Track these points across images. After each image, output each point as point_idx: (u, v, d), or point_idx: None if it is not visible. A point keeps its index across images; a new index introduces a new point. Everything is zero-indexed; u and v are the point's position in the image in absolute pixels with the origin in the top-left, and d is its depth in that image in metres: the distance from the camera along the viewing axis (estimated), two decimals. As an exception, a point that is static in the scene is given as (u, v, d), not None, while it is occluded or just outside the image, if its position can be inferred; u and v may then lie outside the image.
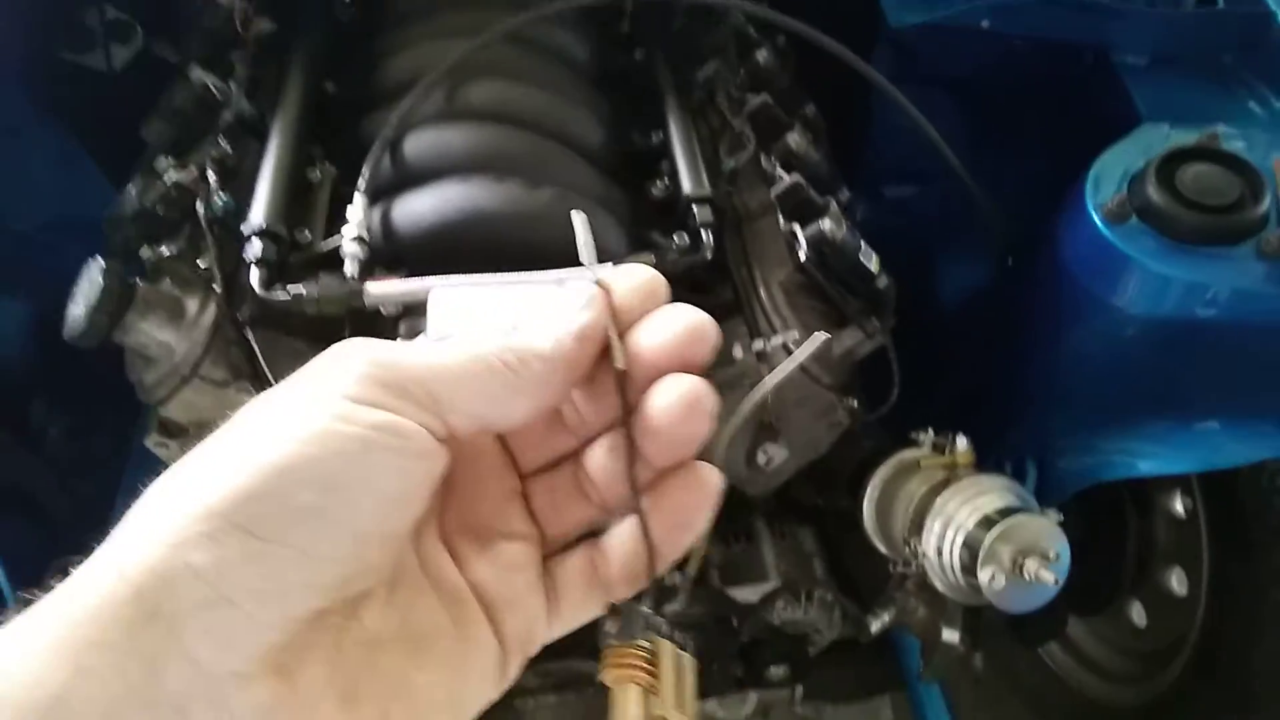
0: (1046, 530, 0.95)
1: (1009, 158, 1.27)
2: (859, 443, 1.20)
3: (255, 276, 0.87)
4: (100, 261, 0.91)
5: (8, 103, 1.20)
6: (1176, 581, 1.45)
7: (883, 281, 1.04)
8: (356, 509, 0.32)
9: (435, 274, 0.86)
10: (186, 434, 1.04)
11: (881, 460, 1.13)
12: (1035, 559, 0.94)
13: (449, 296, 0.84)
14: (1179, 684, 1.47)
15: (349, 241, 0.89)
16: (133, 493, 0.33)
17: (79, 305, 0.90)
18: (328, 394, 0.33)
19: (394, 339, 0.83)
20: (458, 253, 0.88)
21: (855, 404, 1.17)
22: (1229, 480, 1.30)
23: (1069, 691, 1.73)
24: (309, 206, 0.96)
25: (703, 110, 1.12)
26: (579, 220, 0.41)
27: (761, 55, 1.18)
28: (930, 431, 1.12)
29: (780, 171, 1.01)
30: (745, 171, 1.08)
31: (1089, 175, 1.05)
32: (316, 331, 0.92)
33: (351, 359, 0.34)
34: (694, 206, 0.95)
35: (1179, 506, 1.41)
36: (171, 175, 0.94)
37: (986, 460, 1.28)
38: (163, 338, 0.94)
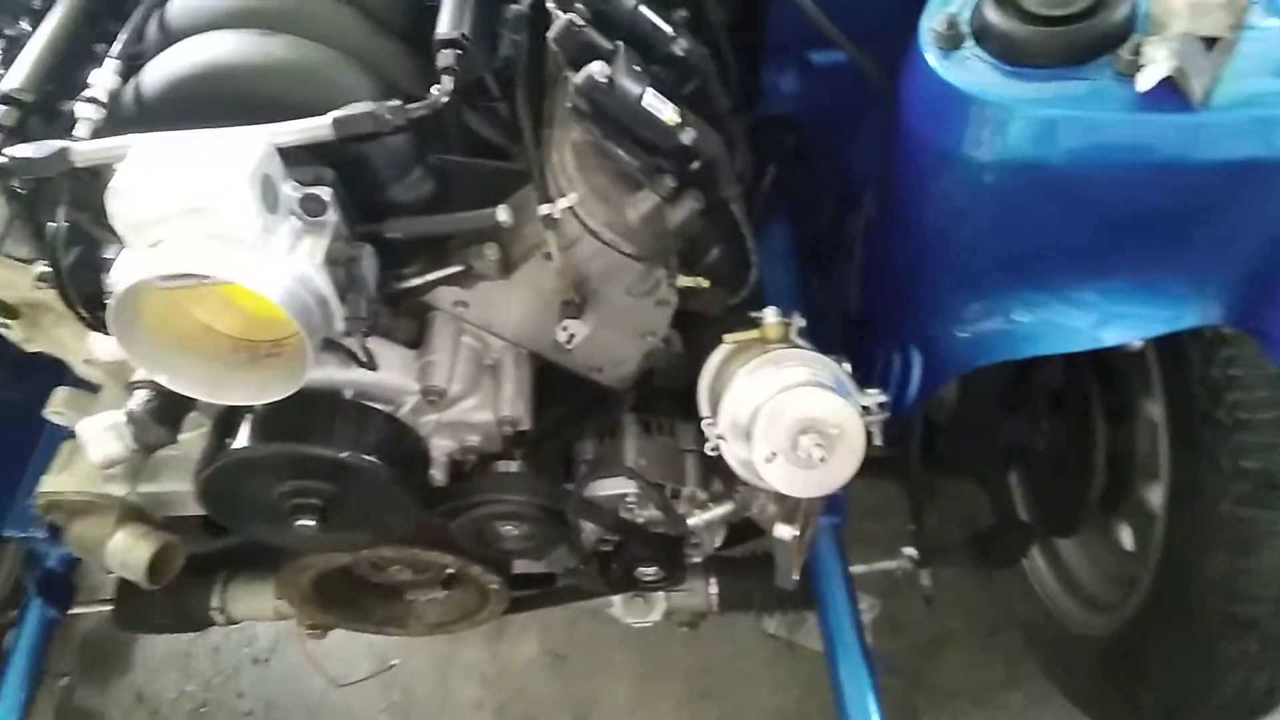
0: (832, 407, 0.83)
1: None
2: (724, 330, 1.09)
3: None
4: None
5: None
6: (1158, 498, 1.26)
7: (688, 135, 0.92)
8: None
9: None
10: (20, 314, 1.07)
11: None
12: (812, 436, 0.82)
13: (144, 151, 0.81)
14: (1141, 608, 1.29)
15: (81, 103, 0.87)
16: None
17: None
18: None
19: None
20: (200, 109, 0.85)
21: (701, 282, 1.06)
22: (1183, 372, 1.11)
23: (1053, 622, 1.57)
24: (76, 78, 0.94)
25: None
26: None
27: None
28: (773, 309, 1.00)
29: (559, 13, 0.90)
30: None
31: (928, 3, 0.89)
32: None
33: None
34: (440, 50, 0.87)
35: (1159, 412, 1.22)
36: None
37: (875, 352, 1.15)
38: None
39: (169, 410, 0.92)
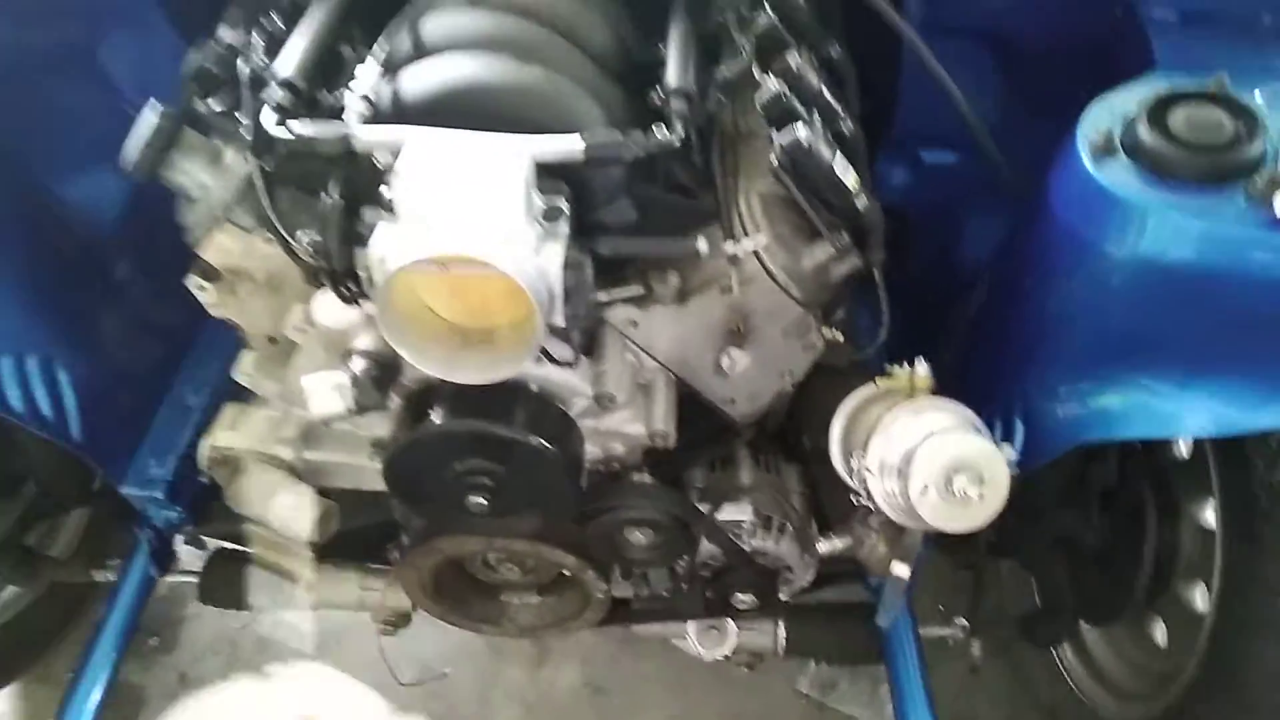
0: (985, 451, 0.95)
1: (1037, 111, 1.26)
2: (849, 381, 1.21)
3: (267, 116, 0.98)
4: (155, 105, 1.05)
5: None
6: (1201, 598, 1.37)
7: (862, 201, 1.06)
8: None
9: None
10: (221, 278, 1.17)
11: (857, 394, 1.15)
12: (965, 475, 0.93)
13: (423, 142, 0.93)
14: (1185, 696, 1.39)
15: (352, 95, 1.00)
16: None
17: (134, 140, 1.05)
18: None
19: (384, 187, 0.93)
20: (452, 116, 0.98)
21: (839, 336, 1.19)
22: (1246, 475, 1.24)
23: (1081, 706, 1.65)
24: (337, 77, 1.08)
25: (716, 33, 1.18)
26: None
27: None
28: (905, 365, 1.12)
29: (771, 81, 1.05)
30: (745, 93, 1.13)
31: (1083, 116, 1.05)
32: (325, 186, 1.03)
33: None
34: (671, 98, 1.01)
35: (1209, 517, 1.35)
36: (224, 38, 1.07)
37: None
38: (202, 179, 1.07)
39: (384, 378, 1.03)
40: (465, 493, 1.07)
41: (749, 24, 1.13)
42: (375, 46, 1.08)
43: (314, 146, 0.96)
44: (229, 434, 1.18)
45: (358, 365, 1.01)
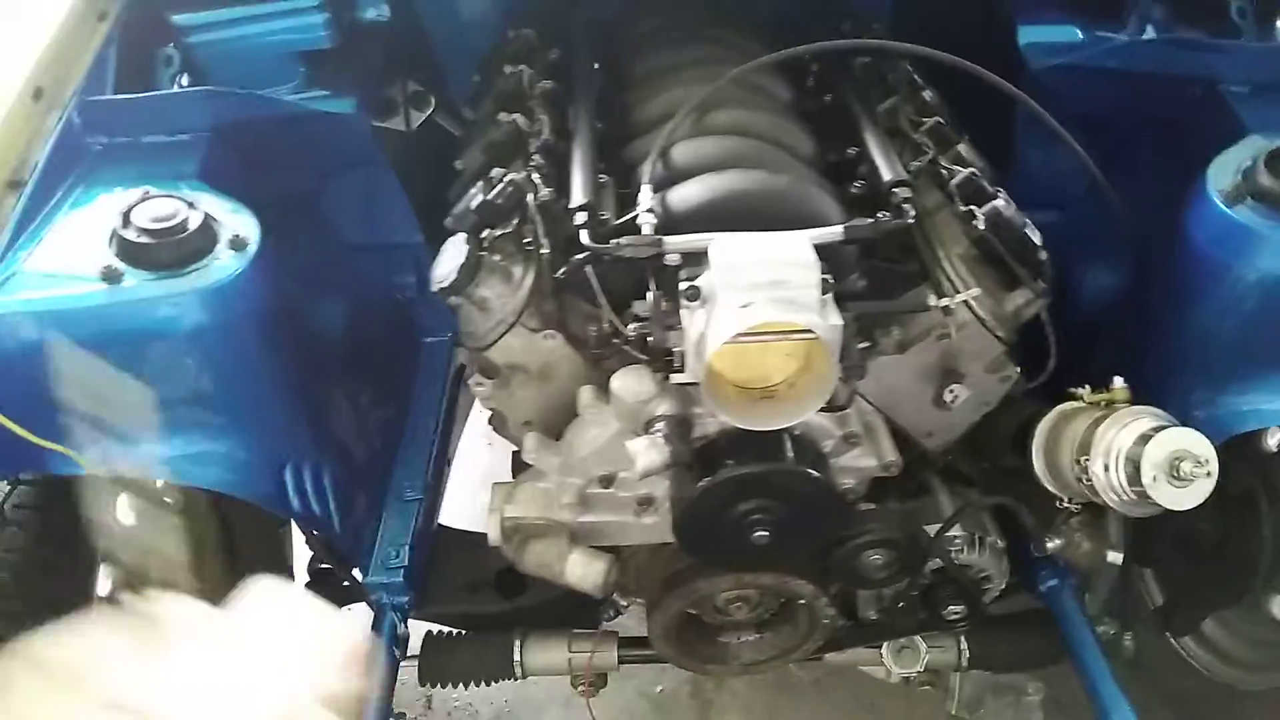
0: (1196, 439, 1.18)
1: (1128, 181, 1.53)
2: (1021, 407, 1.44)
3: (585, 235, 1.20)
4: (462, 237, 1.26)
5: None
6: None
7: (1043, 254, 1.31)
8: None
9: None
10: (500, 374, 1.36)
11: (1045, 413, 1.37)
12: (1189, 461, 1.16)
13: (726, 243, 1.15)
14: None
15: (644, 213, 1.22)
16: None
17: (446, 266, 1.25)
18: None
19: (676, 285, 1.14)
20: (724, 220, 1.21)
21: (1018, 369, 1.42)
22: None
23: (1210, 685, 1.83)
24: (601, 200, 1.31)
25: (890, 133, 1.45)
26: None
27: (927, 94, 1.50)
28: (1086, 387, 1.35)
29: (957, 168, 1.31)
30: (923, 180, 1.39)
31: (1207, 172, 1.32)
32: (611, 289, 1.24)
33: None
34: (895, 189, 1.26)
35: None
36: (510, 178, 1.29)
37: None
38: (496, 294, 1.28)
39: (686, 435, 1.22)
40: (749, 530, 1.25)
41: (918, 125, 1.41)
42: (641, 173, 1.30)
43: (628, 254, 1.17)
44: (515, 507, 1.35)
45: (664, 427, 1.21)
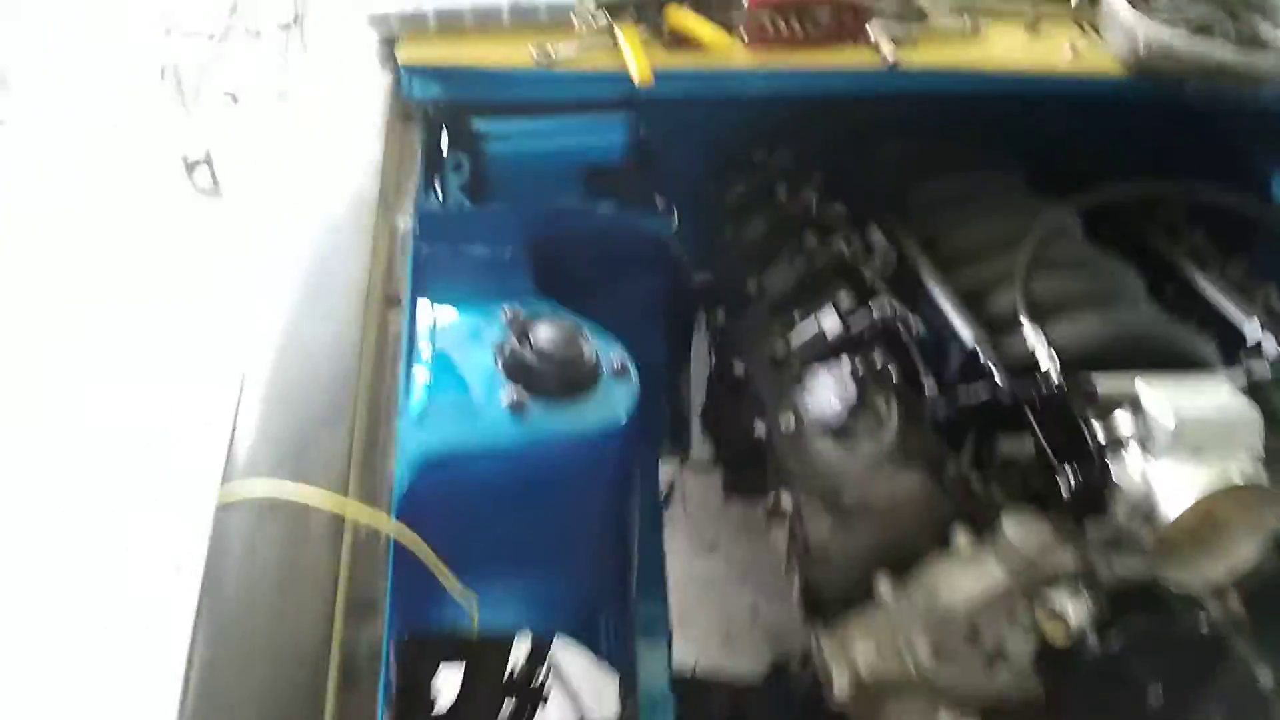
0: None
1: None
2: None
3: (997, 374, 1.17)
4: (844, 373, 1.22)
5: None
6: None
7: None
8: None
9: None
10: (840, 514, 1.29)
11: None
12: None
13: (1156, 389, 1.13)
14: None
15: (1041, 349, 1.20)
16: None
17: (836, 404, 1.20)
18: None
19: (1090, 431, 1.11)
20: (1123, 359, 1.19)
21: None
22: None
23: None
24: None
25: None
26: None
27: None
28: None
29: None
30: None
31: None
32: (1000, 423, 1.20)
33: None
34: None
35: None
36: (874, 313, 1.27)
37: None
38: (869, 430, 1.22)
39: (1095, 586, 1.17)
40: (1147, 687, 1.19)
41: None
42: (1020, 309, 1.28)
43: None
44: (868, 657, 1.25)
45: (1081, 580, 1.15)
